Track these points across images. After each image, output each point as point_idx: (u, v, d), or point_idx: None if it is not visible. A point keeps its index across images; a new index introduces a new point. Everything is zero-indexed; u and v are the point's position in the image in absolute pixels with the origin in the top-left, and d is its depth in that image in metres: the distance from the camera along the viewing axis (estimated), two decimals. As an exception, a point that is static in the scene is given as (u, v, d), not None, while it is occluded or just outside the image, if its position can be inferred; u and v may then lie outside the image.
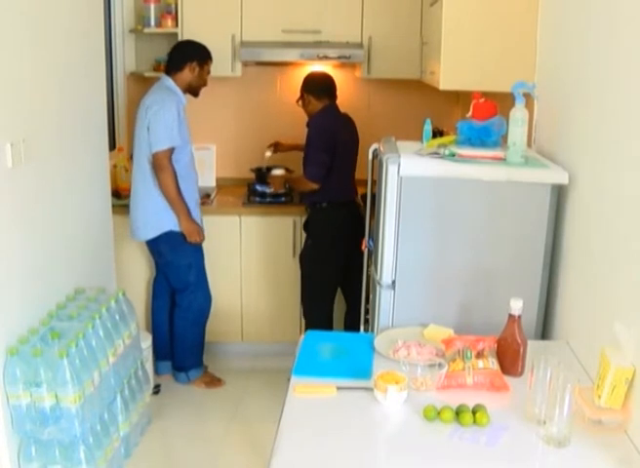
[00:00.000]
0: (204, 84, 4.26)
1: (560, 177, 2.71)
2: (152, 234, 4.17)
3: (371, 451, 2.03)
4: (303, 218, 4.52)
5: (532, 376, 2.10)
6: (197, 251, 4.26)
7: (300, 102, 4.39)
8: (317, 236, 4.37)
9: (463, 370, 2.25)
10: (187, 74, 4.15)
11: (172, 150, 3.97)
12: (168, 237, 4.13)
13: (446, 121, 4.32)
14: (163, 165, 3.96)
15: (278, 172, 4.75)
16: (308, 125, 4.34)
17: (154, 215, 4.12)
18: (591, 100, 2.56)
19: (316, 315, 4.49)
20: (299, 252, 4.53)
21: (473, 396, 2.18)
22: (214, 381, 4.48)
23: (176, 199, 4.02)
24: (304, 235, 4.48)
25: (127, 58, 5.02)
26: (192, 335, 4.39)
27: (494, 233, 2.79)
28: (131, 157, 4.33)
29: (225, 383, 4.47)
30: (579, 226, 2.66)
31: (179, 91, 4.12)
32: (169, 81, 4.13)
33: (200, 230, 4.18)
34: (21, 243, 3.01)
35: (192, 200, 4.15)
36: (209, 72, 4.28)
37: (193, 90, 4.23)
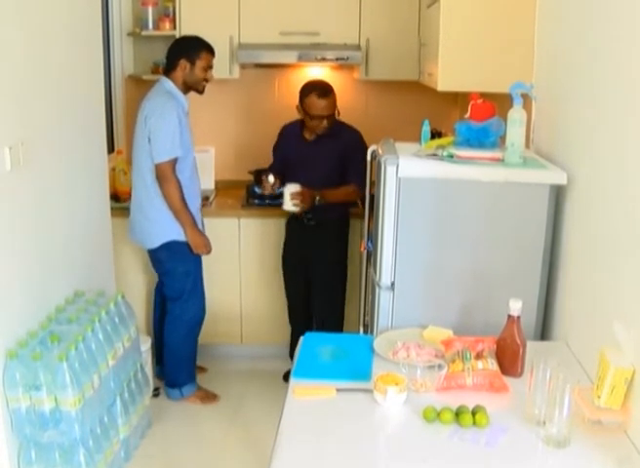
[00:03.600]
0: (200, 80, 4.03)
1: (558, 178, 2.71)
2: (155, 243, 4.06)
3: (371, 453, 2.02)
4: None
5: (531, 377, 2.10)
6: (196, 259, 4.16)
7: (327, 122, 4.14)
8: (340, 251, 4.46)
9: (463, 372, 2.25)
10: (179, 73, 3.98)
11: (175, 161, 3.88)
12: (169, 246, 4.03)
13: (444, 122, 4.31)
14: (167, 176, 3.86)
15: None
16: (341, 136, 4.24)
17: (157, 225, 4.01)
18: (589, 101, 2.56)
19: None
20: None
21: (473, 397, 2.18)
22: (209, 396, 4.35)
23: (181, 210, 3.93)
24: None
25: (125, 61, 5.02)
26: (185, 348, 4.25)
27: (492, 234, 2.79)
28: (130, 162, 4.29)
29: (221, 397, 4.37)
30: (577, 226, 2.66)
31: (178, 93, 3.99)
32: (167, 83, 3.99)
33: (207, 242, 4.08)
34: (21, 246, 3.01)
35: (194, 207, 4.06)
36: (209, 67, 4.05)
37: (193, 88, 4.05)
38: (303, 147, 4.31)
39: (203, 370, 4.65)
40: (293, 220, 4.42)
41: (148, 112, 3.90)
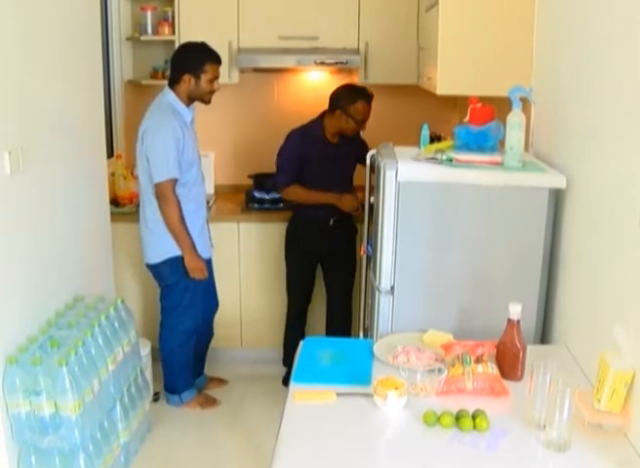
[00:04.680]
0: (206, 93, 3.89)
1: (558, 182, 2.72)
2: (158, 258, 3.99)
3: (371, 457, 2.02)
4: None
5: (531, 381, 2.10)
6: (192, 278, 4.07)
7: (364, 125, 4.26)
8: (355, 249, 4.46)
9: (463, 376, 2.26)
10: (184, 87, 3.84)
11: (174, 180, 3.78)
12: (172, 261, 3.95)
13: (443, 126, 4.32)
14: (165, 196, 3.78)
15: None
16: (356, 137, 4.35)
17: (161, 240, 3.92)
18: (588, 104, 2.56)
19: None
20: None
21: (473, 401, 2.18)
22: (208, 401, 4.32)
23: (180, 232, 3.85)
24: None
25: (124, 66, 5.01)
26: (180, 356, 4.18)
27: (492, 238, 2.79)
28: (132, 173, 4.23)
29: (221, 401, 4.35)
30: (576, 230, 2.66)
31: (180, 106, 3.85)
32: (170, 96, 3.85)
33: (204, 267, 3.99)
34: (20, 251, 3.01)
35: (200, 218, 4.02)
36: (215, 77, 3.88)
37: (198, 100, 3.92)
38: (330, 150, 4.28)
39: (223, 382, 4.61)
40: (305, 223, 4.39)
41: (145, 130, 3.80)
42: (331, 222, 4.34)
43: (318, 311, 4.63)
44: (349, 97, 4.15)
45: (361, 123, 4.18)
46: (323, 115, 4.29)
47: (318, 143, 4.28)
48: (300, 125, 4.36)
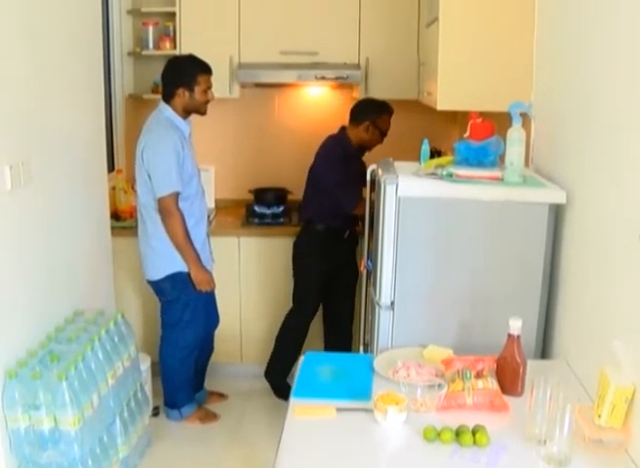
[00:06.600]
0: (202, 103, 3.91)
1: (558, 197, 2.72)
2: (160, 275, 3.97)
3: (371, 473, 2.02)
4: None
5: (531, 396, 2.09)
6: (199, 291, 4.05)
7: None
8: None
9: (463, 391, 2.25)
10: (178, 101, 3.85)
11: (177, 194, 3.78)
12: (174, 277, 3.94)
13: (444, 141, 4.34)
14: (168, 210, 3.77)
15: None
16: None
17: (162, 256, 3.91)
18: (588, 119, 2.57)
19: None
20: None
21: (473, 416, 2.18)
22: (209, 416, 4.30)
23: (185, 246, 3.84)
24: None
25: (125, 81, 5.04)
26: (181, 371, 4.16)
27: (492, 253, 2.79)
28: (132, 187, 4.23)
29: (221, 416, 4.33)
30: (576, 245, 2.66)
31: (178, 119, 3.88)
32: (167, 111, 3.87)
33: (210, 278, 4.00)
34: (20, 265, 3.01)
35: (201, 231, 4.00)
36: (208, 87, 3.91)
37: (195, 112, 3.94)
38: (359, 164, 4.24)
39: (223, 397, 4.59)
40: (319, 235, 4.34)
41: (145, 146, 3.80)
42: (346, 234, 4.35)
43: (313, 325, 4.58)
44: (378, 110, 4.24)
45: (384, 135, 4.26)
46: (343, 130, 4.30)
47: (355, 157, 4.31)
48: (327, 144, 4.32)
